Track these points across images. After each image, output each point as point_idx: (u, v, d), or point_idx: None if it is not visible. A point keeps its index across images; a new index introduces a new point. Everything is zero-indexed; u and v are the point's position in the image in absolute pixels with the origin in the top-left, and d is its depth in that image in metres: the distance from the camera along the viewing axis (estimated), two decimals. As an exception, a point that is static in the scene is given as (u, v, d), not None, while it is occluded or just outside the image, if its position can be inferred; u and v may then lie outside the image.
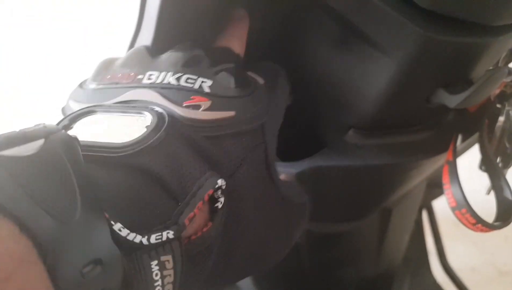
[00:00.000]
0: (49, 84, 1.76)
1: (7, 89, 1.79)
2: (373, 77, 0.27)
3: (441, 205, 0.70)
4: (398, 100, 0.28)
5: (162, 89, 0.22)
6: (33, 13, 2.27)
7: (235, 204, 0.22)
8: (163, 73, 0.23)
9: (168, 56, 0.24)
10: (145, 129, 0.19)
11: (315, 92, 0.32)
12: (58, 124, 0.21)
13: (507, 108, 0.33)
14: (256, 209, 0.24)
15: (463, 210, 0.30)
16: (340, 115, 0.32)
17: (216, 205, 0.20)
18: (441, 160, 0.35)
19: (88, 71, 0.30)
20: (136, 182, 0.18)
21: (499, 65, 0.31)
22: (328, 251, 0.49)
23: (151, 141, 0.19)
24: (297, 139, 0.36)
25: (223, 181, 0.21)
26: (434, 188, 0.59)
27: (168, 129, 0.19)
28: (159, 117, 0.20)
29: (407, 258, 0.69)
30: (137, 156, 0.18)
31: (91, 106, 0.22)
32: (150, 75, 0.23)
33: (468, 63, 0.26)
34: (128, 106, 0.22)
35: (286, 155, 0.33)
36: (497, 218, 0.31)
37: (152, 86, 0.23)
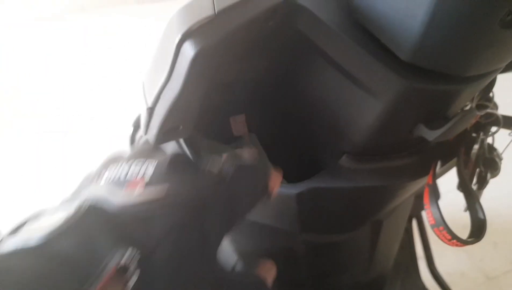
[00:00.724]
0: (49, 84, 1.80)
1: (7, 89, 1.83)
2: (364, 113, 0.32)
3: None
4: (384, 132, 0.33)
5: (109, 181, 0.26)
6: (33, 13, 2.30)
7: (156, 275, 0.24)
8: (119, 164, 0.28)
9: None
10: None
11: (314, 122, 0.37)
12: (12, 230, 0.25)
13: (481, 137, 0.37)
14: (182, 284, 0.26)
15: (441, 228, 0.34)
16: (335, 142, 0.36)
17: (128, 282, 0.22)
18: (424, 180, 0.39)
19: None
20: (47, 267, 0.21)
21: (474, 101, 0.35)
22: (324, 258, 0.53)
23: (64, 227, 0.22)
24: (300, 162, 0.41)
25: (134, 250, 0.22)
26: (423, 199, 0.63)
27: (86, 214, 0.23)
28: (80, 205, 0.23)
29: (398, 264, 0.73)
30: (50, 243, 0.21)
31: (40, 211, 0.26)
32: (108, 170, 0.28)
33: (444, 105, 0.30)
34: (71, 203, 0.25)
35: (291, 175, 0.38)
36: (471, 235, 0.35)
37: (105, 182, 0.27)
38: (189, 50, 0.23)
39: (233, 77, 0.35)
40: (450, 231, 0.34)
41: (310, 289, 0.55)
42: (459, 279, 1.09)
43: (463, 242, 0.34)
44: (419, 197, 0.60)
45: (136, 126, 0.64)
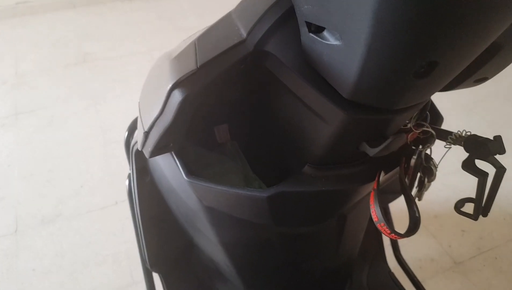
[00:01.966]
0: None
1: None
2: (319, 133, 0.40)
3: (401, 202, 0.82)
4: (336, 148, 0.41)
5: None
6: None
7: None
8: None
9: None
10: None
11: (283, 138, 0.45)
12: None
13: (419, 149, 0.45)
14: None
15: (382, 224, 0.42)
16: (299, 154, 0.44)
17: None
18: (372, 185, 0.47)
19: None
20: None
21: (412, 121, 0.43)
22: (297, 247, 0.62)
23: None
24: (274, 169, 0.49)
25: None
26: (389, 194, 0.72)
27: None
28: None
29: (366, 251, 0.82)
30: None
31: None
32: None
33: (381, 129, 0.38)
34: None
35: (267, 178, 0.45)
36: (408, 230, 0.43)
37: None
38: (177, 96, 0.30)
39: (213, 101, 0.42)
40: (389, 227, 0.42)
41: (284, 274, 0.63)
42: (429, 263, 1.18)
43: (400, 236, 0.42)
44: (385, 192, 0.69)
45: (131, 130, 0.71)
